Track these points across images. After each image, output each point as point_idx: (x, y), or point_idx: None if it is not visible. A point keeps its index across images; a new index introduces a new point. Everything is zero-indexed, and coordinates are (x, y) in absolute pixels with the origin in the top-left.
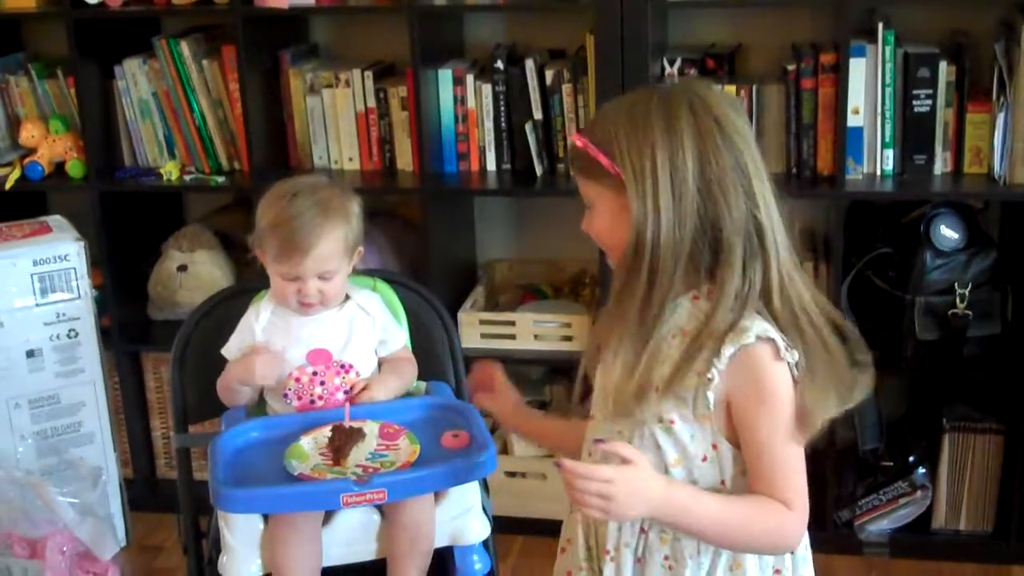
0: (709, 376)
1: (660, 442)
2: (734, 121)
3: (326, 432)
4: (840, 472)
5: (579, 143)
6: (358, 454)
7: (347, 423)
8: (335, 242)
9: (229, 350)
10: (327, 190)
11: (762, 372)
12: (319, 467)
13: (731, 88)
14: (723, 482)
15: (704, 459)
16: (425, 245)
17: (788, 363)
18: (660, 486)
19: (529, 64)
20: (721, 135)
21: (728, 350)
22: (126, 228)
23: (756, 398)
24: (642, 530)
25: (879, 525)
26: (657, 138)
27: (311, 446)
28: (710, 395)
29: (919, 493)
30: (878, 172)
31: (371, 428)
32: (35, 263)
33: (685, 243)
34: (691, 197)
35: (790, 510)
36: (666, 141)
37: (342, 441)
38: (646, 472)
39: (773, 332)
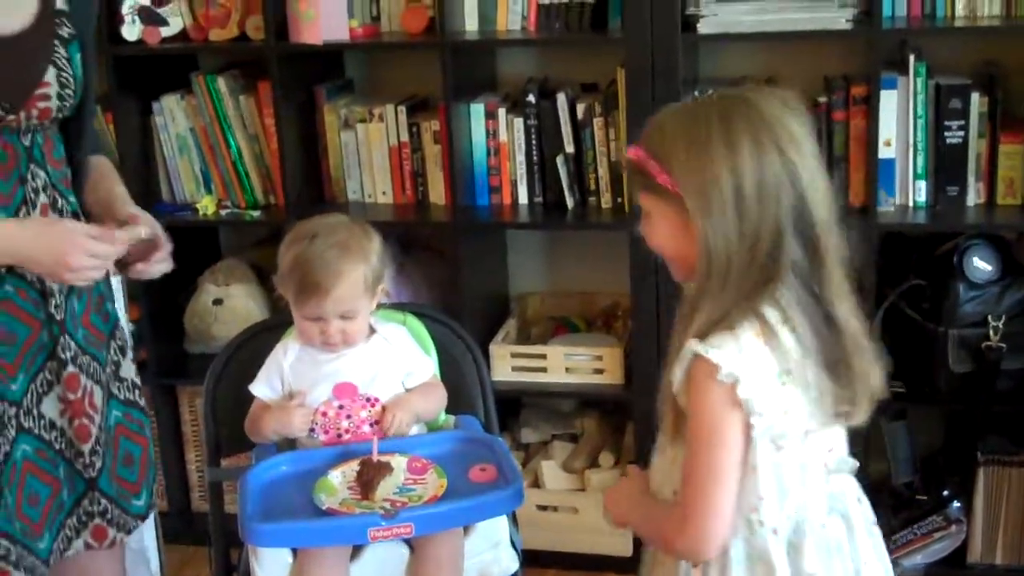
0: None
1: None
2: (791, 131)
3: (354, 466)
4: (874, 506)
5: (636, 158)
6: (386, 488)
7: (375, 457)
8: (354, 283)
9: (258, 387)
10: (346, 231)
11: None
12: (347, 501)
13: None
14: None
15: None
16: (457, 278)
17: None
18: (634, 495)
19: (561, 98)
20: (779, 150)
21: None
22: None
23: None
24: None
25: (914, 560)
26: (717, 157)
27: (339, 480)
28: None
29: (954, 527)
30: (910, 204)
31: (399, 462)
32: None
33: (748, 254)
34: (753, 212)
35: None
36: (727, 160)
37: (370, 475)
38: (627, 485)
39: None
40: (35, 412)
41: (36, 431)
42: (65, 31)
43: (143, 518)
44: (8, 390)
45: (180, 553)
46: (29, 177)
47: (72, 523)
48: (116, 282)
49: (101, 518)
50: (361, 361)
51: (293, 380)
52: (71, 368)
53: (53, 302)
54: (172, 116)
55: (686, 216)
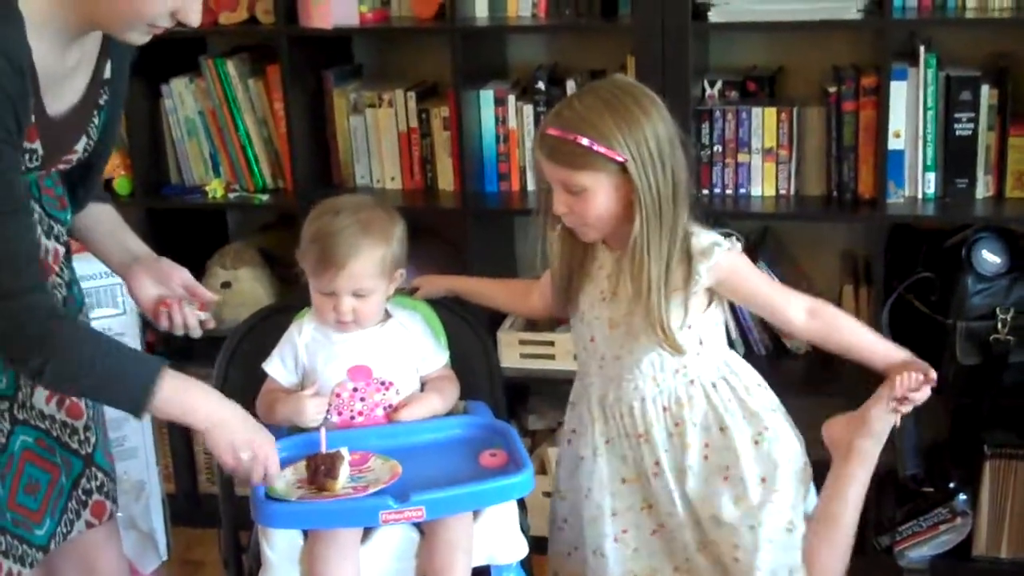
0: (694, 288)
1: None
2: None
3: (299, 466)
4: (880, 498)
5: (588, 145)
6: (343, 477)
7: (323, 449)
8: (371, 261)
9: (271, 365)
10: (371, 210)
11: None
12: (304, 497)
13: (772, 110)
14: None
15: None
16: (465, 264)
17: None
18: None
19: (570, 85)
20: (663, 112)
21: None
22: (171, 245)
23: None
24: (664, 408)
25: (919, 552)
26: (641, 122)
27: (284, 484)
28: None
29: (960, 519)
30: (919, 196)
31: (344, 454)
32: (83, 278)
33: (672, 199)
34: (667, 156)
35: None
36: (647, 123)
37: (330, 464)
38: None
39: (718, 238)
40: (28, 404)
41: (32, 422)
42: (103, 99)
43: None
44: None
45: (187, 535)
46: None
47: (72, 505)
48: None
49: (99, 492)
50: (376, 344)
51: (307, 359)
52: None
53: None
54: (181, 99)
55: (620, 179)
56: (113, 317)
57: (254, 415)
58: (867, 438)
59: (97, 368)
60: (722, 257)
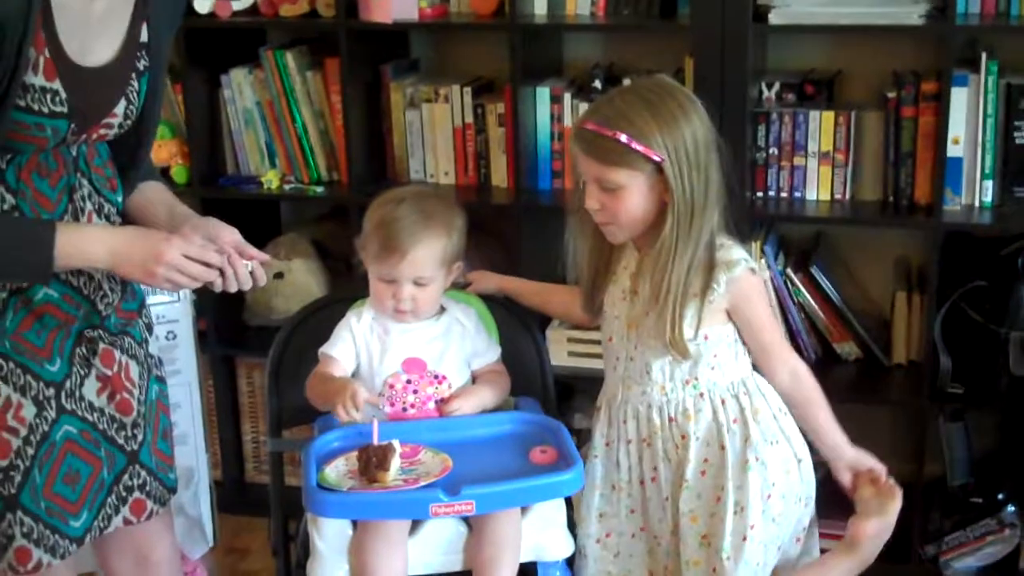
0: (711, 297)
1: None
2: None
3: (351, 457)
4: (927, 507)
5: (627, 142)
6: (393, 469)
7: (376, 441)
8: (432, 250)
9: (335, 348)
10: (435, 201)
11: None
12: (355, 488)
13: (829, 114)
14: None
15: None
16: (517, 261)
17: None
18: None
19: (627, 84)
20: (703, 115)
21: (725, 277)
22: None
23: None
24: (670, 419)
25: (965, 562)
26: (680, 123)
27: (337, 473)
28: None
29: (1007, 531)
30: (976, 203)
31: (395, 446)
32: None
33: (704, 203)
34: (702, 161)
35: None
36: (687, 125)
37: (381, 456)
38: None
39: (748, 256)
40: (77, 394)
41: (79, 412)
42: (142, 64)
43: (174, 491)
44: (46, 371)
45: (234, 523)
46: (77, 185)
47: (112, 500)
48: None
49: (140, 491)
50: (431, 337)
51: (364, 347)
52: (103, 344)
53: (105, 301)
54: (240, 90)
55: (655, 179)
56: (168, 304)
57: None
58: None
59: None
60: (744, 275)
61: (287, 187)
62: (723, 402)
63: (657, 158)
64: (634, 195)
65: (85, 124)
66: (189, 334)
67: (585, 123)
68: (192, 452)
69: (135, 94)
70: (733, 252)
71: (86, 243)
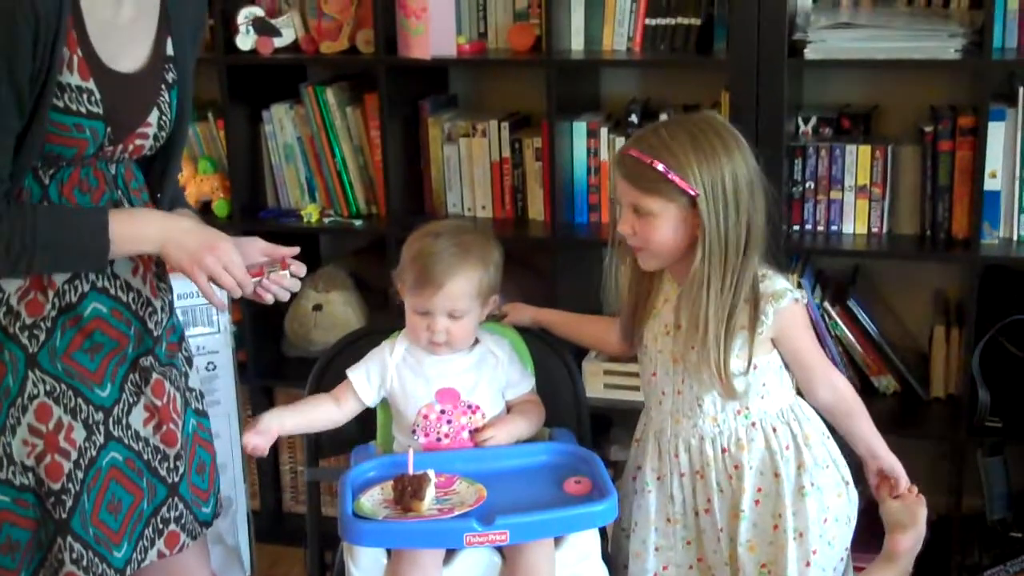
0: (760, 330)
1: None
2: (744, 142)
3: (386, 487)
4: (966, 541)
5: (664, 171)
6: (428, 499)
7: (411, 471)
8: (468, 283)
9: (355, 372)
10: (472, 235)
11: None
12: (390, 517)
13: (866, 148)
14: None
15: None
16: (553, 294)
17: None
18: None
19: (663, 119)
20: (748, 156)
21: (772, 308)
22: None
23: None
24: (723, 450)
25: None
26: (721, 160)
27: (372, 503)
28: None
29: None
30: (1015, 237)
31: (430, 476)
32: (179, 297)
33: (741, 240)
34: (744, 201)
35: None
36: (728, 163)
37: (416, 486)
38: None
39: (791, 285)
40: (124, 422)
41: (126, 441)
42: (170, 76)
43: (208, 525)
44: (96, 395)
45: (271, 552)
46: (119, 201)
47: (148, 533)
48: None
49: (176, 524)
50: (465, 368)
51: (396, 378)
52: (155, 375)
53: (155, 319)
54: (281, 125)
55: (689, 213)
56: (208, 335)
57: (340, 436)
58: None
59: (48, 235)
60: (790, 305)
61: (326, 220)
62: (774, 429)
63: (692, 192)
64: (666, 224)
65: (121, 130)
66: (229, 365)
67: (628, 149)
68: (230, 481)
69: (167, 105)
70: (777, 283)
71: (139, 225)
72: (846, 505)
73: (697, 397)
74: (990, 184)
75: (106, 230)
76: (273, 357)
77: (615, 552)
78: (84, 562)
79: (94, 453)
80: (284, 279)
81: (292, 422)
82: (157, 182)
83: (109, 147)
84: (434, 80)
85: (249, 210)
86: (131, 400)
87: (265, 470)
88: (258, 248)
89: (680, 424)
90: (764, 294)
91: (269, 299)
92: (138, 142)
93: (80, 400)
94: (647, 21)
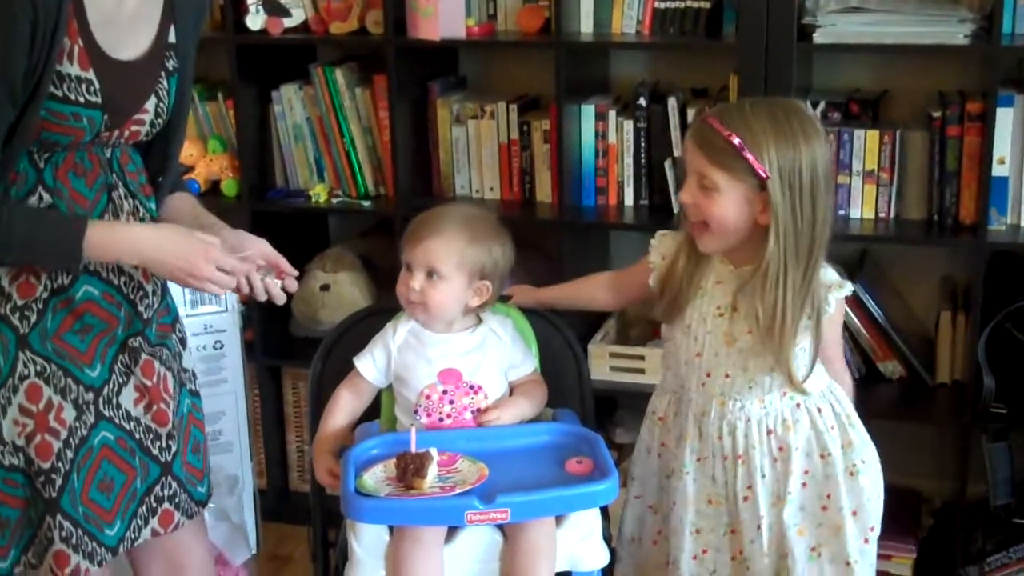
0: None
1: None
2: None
3: (388, 464)
4: (969, 527)
5: (738, 146)
6: (431, 477)
7: (413, 449)
8: (451, 245)
9: (362, 360)
10: (478, 215)
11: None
12: (392, 495)
13: (874, 133)
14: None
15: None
16: (560, 276)
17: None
18: None
19: (671, 102)
20: (826, 148)
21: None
22: (274, 246)
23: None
24: (769, 431)
25: None
26: (800, 147)
27: (375, 480)
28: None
29: None
30: (1022, 223)
31: (433, 454)
32: None
33: (816, 230)
34: (816, 194)
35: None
36: (807, 151)
37: (419, 464)
38: None
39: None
40: (115, 402)
41: (117, 420)
42: (171, 64)
43: (204, 504)
44: (86, 375)
45: (277, 531)
46: (115, 185)
47: (142, 511)
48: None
49: (170, 503)
50: (467, 348)
51: (398, 359)
52: (145, 355)
53: (146, 302)
54: (290, 105)
55: (755, 195)
56: (215, 315)
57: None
58: None
59: (23, 232)
60: (844, 296)
61: (335, 201)
62: (819, 410)
63: (763, 173)
64: (729, 202)
65: (119, 117)
66: (236, 344)
67: (708, 117)
68: (237, 460)
69: (165, 92)
70: (830, 273)
71: (118, 243)
72: (881, 480)
73: (749, 380)
74: (998, 170)
75: (79, 244)
76: (280, 337)
77: (623, 523)
78: (74, 540)
79: (84, 432)
80: (274, 287)
81: (336, 434)
82: (159, 166)
83: (105, 133)
84: (443, 61)
85: (258, 190)
86: (121, 380)
87: (272, 449)
88: (261, 250)
89: (726, 406)
90: (824, 283)
91: (259, 294)
92: (134, 128)
93: (70, 380)
94: (656, 4)
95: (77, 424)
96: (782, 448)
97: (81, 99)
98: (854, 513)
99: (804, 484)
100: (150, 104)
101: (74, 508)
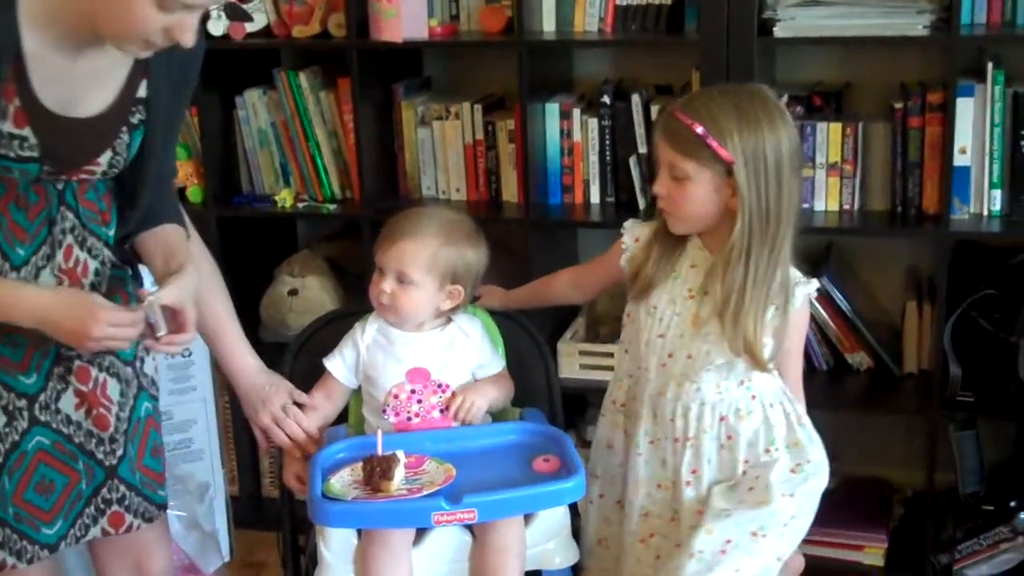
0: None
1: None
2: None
3: (355, 468)
4: (940, 516)
5: (702, 134)
6: (398, 479)
7: (380, 452)
8: (423, 249)
9: (331, 361)
10: (454, 218)
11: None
12: (359, 498)
13: (837, 125)
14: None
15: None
16: (528, 274)
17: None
18: None
19: (635, 99)
20: (792, 132)
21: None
22: (241, 252)
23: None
24: (721, 418)
25: (978, 571)
26: (764, 131)
27: (342, 484)
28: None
29: (1020, 539)
30: (985, 212)
31: (400, 456)
32: (153, 283)
33: (781, 214)
34: (785, 175)
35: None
36: (771, 136)
37: (386, 466)
38: None
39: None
40: (53, 407)
41: (54, 425)
42: (136, 118)
43: (164, 507)
44: (20, 383)
45: (250, 538)
46: (59, 219)
47: (90, 511)
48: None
49: (119, 505)
50: (435, 347)
51: (367, 358)
52: (79, 362)
53: None
54: (254, 110)
55: (723, 181)
56: None
57: None
58: None
59: None
60: (809, 298)
61: (301, 205)
62: (771, 405)
63: (728, 159)
64: (699, 189)
65: (62, 167)
66: (205, 351)
67: (673, 109)
68: (208, 467)
69: (124, 146)
70: (796, 272)
71: (9, 309)
72: (825, 483)
73: (709, 362)
74: (960, 160)
75: None
76: (249, 342)
77: (585, 529)
78: (1, 538)
79: (16, 437)
80: (158, 301)
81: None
82: (126, 200)
83: (49, 178)
84: (407, 63)
85: (223, 196)
86: (59, 387)
87: (243, 455)
88: (281, 399)
89: (683, 388)
90: (792, 278)
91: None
92: (83, 176)
93: (1, 388)
94: (618, 2)
95: (7, 430)
96: (731, 437)
97: (12, 154)
98: (784, 496)
99: (744, 472)
100: (104, 158)
101: (3, 509)
